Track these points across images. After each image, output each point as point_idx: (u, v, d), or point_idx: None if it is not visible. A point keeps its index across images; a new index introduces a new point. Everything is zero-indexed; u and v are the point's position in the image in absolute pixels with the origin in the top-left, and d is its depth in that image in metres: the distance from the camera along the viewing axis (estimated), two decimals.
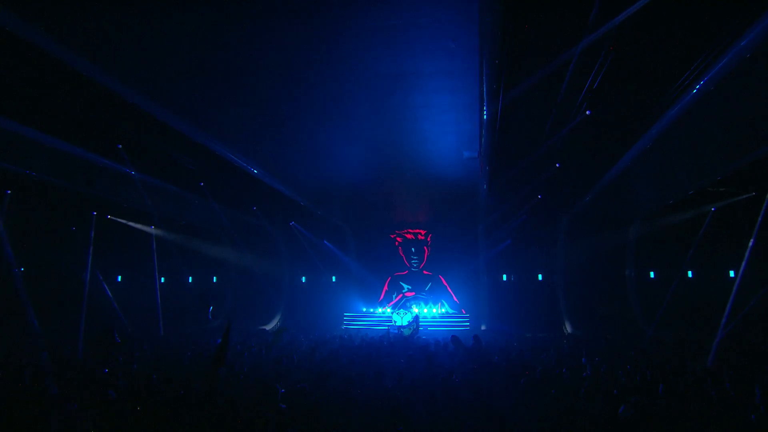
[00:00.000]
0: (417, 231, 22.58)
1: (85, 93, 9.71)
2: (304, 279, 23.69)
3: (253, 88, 9.98)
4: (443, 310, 21.58)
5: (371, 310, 21.76)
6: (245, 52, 8.65)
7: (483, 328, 20.65)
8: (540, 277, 21.87)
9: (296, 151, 13.38)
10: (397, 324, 16.68)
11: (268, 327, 21.83)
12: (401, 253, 22.72)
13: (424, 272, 22.56)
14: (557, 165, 12.36)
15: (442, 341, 11.10)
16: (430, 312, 21.22)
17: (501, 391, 6.28)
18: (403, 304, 21.80)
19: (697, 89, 8.86)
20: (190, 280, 24.70)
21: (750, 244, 16.36)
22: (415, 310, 20.62)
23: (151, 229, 21.68)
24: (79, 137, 11.49)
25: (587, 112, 9.04)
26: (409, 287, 22.46)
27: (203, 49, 8.58)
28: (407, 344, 11.71)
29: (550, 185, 14.37)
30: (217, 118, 11.22)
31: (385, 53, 8.13)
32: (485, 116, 9.43)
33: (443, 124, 10.44)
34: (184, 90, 9.81)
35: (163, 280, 24.27)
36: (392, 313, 19.90)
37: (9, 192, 14.60)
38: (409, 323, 15.05)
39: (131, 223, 20.03)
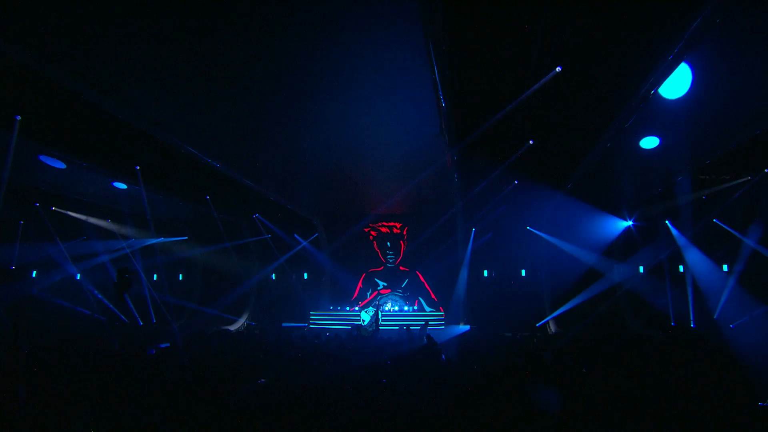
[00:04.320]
0: (392, 224, 21.21)
1: None
2: (274, 276, 22.30)
3: (194, 65, 8.69)
4: (412, 308, 20.23)
5: (338, 308, 20.32)
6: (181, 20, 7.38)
7: (461, 326, 19.33)
8: (523, 272, 20.58)
9: (248, 136, 12.10)
10: (365, 323, 15.31)
11: (233, 327, 20.43)
12: (376, 248, 21.34)
13: (401, 268, 21.20)
14: (530, 142, 11.02)
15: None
16: (402, 309, 19.86)
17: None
18: (378, 302, 20.42)
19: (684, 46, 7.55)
20: (155, 278, 23.44)
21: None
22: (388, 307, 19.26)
23: (108, 223, 20.27)
24: None
25: (558, 69, 7.68)
26: (385, 284, 21.09)
27: (131, 24, 7.32)
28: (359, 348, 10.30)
29: (527, 168, 13.02)
30: (151, 96, 9.85)
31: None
32: (437, 75, 8.08)
33: (394, 89, 9.11)
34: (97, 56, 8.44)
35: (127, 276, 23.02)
36: (360, 311, 18.49)
37: None
38: (369, 323, 13.62)
39: (80, 216, 18.55)
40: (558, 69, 7.66)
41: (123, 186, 15.06)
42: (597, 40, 7.79)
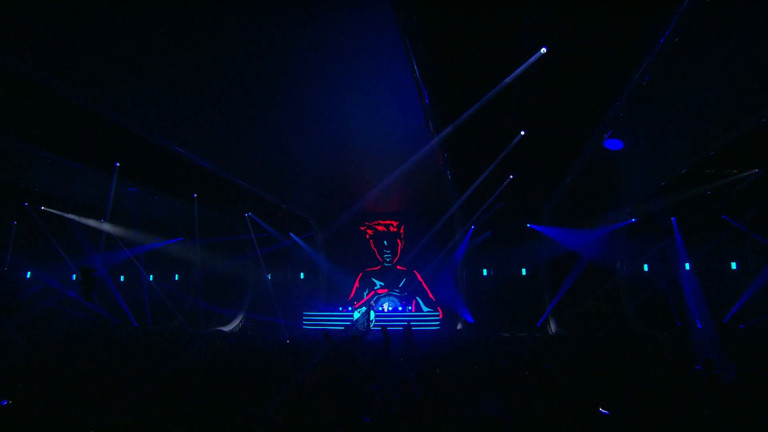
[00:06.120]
0: (389, 222, 20.76)
1: None
2: (270, 276, 21.96)
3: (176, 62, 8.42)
4: (407, 308, 19.75)
5: (331, 308, 19.86)
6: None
7: (459, 327, 18.85)
8: (524, 271, 20.00)
9: (236, 134, 11.84)
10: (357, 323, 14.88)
11: (227, 328, 20.16)
12: (373, 247, 20.90)
13: (398, 267, 20.73)
14: (522, 132, 10.52)
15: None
16: (397, 309, 19.40)
17: None
18: (374, 302, 19.99)
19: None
20: (151, 279, 23.28)
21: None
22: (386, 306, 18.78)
23: (102, 223, 20.07)
24: None
25: (543, 50, 7.18)
26: (382, 284, 20.64)
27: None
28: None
29: (521, 161, 12.50)
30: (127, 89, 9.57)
31: None
32: (416, 68, 7.66)
33: (377, 83, 8.69)
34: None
35: (123, 278, 22.98)
36: (354, 311, 18.06)
37: None
38: (360, 322, 13.16)
39: (72, 216, 18.34)
40: (543, 50, 7.17)
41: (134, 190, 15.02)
42: (584, 27, 7.33)
